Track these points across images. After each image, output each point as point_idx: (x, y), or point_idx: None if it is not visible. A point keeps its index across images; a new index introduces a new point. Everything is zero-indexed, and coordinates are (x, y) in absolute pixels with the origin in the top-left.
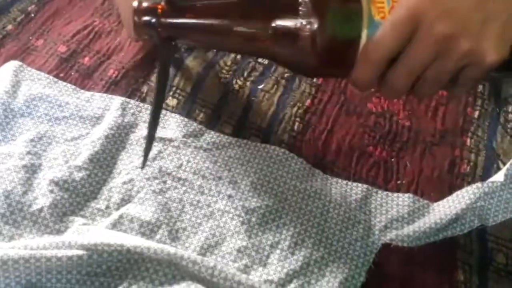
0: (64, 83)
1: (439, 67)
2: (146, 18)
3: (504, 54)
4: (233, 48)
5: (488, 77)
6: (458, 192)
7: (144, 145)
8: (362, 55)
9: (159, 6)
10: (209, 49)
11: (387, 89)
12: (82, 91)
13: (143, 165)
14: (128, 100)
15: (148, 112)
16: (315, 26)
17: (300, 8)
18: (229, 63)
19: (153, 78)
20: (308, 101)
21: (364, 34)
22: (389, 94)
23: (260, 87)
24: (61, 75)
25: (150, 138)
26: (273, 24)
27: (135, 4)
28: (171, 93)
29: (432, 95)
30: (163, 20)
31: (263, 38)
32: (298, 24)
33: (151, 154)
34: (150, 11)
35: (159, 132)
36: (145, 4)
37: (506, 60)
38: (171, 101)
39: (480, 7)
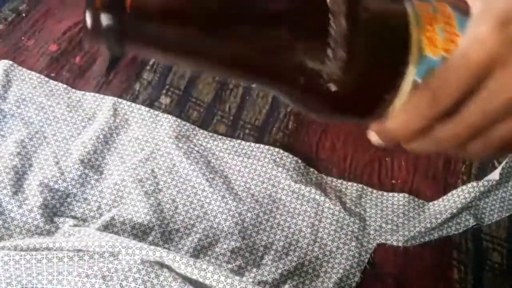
0: (55, 83)
1: (509, 128)
2: (105, 17)
3: None
4: (223, 73)
5: None
6: (454, 191)
7: (135, 146)
8: (414, 103)
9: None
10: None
11: (429, 145)
12: (74, 90)
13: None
14: (120, 100)
15: (140, 111)
16: (348, 57)
17: (329, 33)
18: None
19: (145, 75)
20: None
21: (411, 70)
22: (427, 150)
23: (255, 85)
24: (52, 74)
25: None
26: (293, 51)
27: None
28: (164, 91)
29: (488, 158)
30: (129, 21)
31: (274, 67)
32: (326, 56)
33: (143, 155)
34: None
35: (152, 132)
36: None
37: None
38: (164, 99)
39: None
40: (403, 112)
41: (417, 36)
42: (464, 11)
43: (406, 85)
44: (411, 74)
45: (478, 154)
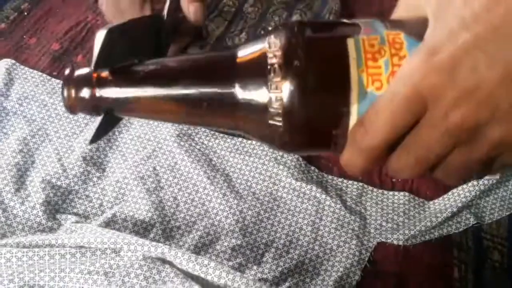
0: (58, 81)
1: (462, 156)
2: (78, 89)
3: None
4: (189, 121)
5: None
6: (454, 190)
7: (137, 145)
8: (351, 139)
9: (94, 75)
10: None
11: (393, 174)
12: None
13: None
14: None
15: None
16: (287, 101)
17: (269, 75)
18: None
19: None
20: None
21: (354, 110)
22: (397, 177)
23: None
24: (54, 73)
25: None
26: (235, 96)
27: (66, 72)
28: None
29: (457, 184)
30: (100, 90)
31: (223, 112)
32: (266, 97)
33: (145, 153)
34: (84, 80)
35: (154, 131)
36: (77, 72)
37: None
38: None
39: (510, 81)
40: (346, 148)
41: (357, 75)
42: (420, 36)
43: (352, 121)
44: (355, 111)
45: (445, 180)
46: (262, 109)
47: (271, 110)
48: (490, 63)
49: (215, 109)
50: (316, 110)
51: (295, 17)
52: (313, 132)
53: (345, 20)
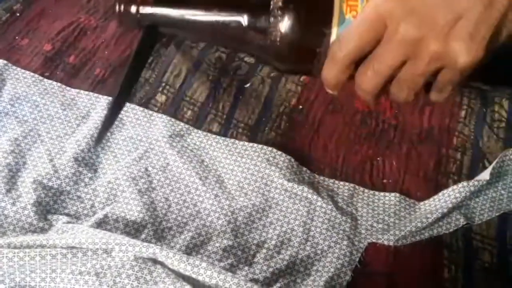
0: (50, 81)
1: (409, 69)
2: (126, 6)
3: (477, 55)
4: (208, 38)
5: (470, 86)
6: (444, 191)
7: (129, 145)
8: (329, 54)
9: None
10: (191, 39)
11: (357, 89)
12: (68, 88)
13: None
14: None
15: (135, 111)
16: (284, 22)
17: (271, 3)
18: (213, 61)
19: (142, 73)
20: (294, 100)
21: (334, 31)
22: (361, 94)
23: (247, 85)
24: (47, 74)
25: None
26: (245, 18)
27: None
28: (160, 89)
29: (409, 99)
30: (143, 8)
31: (236, 31)
32: (268, 20)
33: (137, 153)
34: None
35: (146, 132)
36: None
37: (484, 66)
38: (160, 97)
39: (449, 5)
40: (326, 61)
41: (339, 5)
42: None
43: (332, 40)
44: (335, 33)
45: (398, 94)
46: (264, 30)
47: (271, 30)
48: None
49: (229, 29)
50: (306, 30)
51: None
52: (303, 48)
53: None
